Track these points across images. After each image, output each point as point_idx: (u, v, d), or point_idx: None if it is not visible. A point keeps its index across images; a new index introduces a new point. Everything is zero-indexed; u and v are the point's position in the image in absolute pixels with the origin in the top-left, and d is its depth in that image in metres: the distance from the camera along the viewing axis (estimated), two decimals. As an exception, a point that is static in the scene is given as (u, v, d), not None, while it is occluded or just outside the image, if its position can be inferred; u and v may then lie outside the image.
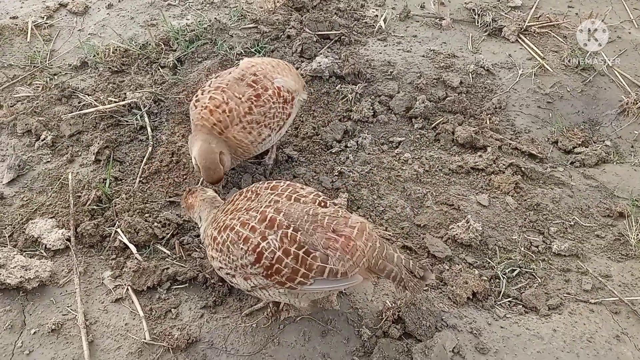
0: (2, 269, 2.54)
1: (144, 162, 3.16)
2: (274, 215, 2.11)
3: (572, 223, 2.94)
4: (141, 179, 3.08)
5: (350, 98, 3.52)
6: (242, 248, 2.10)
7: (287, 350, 2.37)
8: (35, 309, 2.52)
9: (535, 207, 2.99)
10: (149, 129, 3.34)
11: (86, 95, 3.52)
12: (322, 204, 2.20)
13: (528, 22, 4.11)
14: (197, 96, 2.83)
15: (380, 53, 3.86)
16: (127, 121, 3.39)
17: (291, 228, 2.08)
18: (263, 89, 2.81)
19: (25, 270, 2.56)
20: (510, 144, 3.30)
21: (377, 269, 2.11)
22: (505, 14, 4.22)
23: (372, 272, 2.13)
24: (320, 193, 2.26)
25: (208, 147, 2.65)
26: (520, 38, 4.03)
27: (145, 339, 2.38)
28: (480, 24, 4.16)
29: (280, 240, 2.06)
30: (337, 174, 3.13)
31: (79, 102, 3.50)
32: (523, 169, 3.15)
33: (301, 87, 3.05)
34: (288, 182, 2.30)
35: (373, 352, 2.33)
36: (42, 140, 3.29)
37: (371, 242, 2.13)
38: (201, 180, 2.89)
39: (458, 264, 2.70)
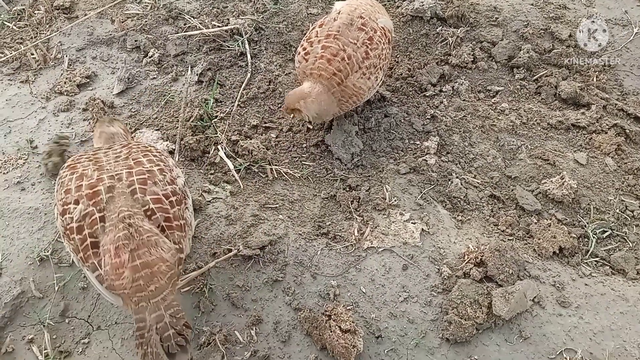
0: (113, 171, 2.76)
1: (242, 87, 3.27)
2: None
3: (673, 192, 2.81)
4: (239, 102, 3.20)
5: (450, 42, 3.43)
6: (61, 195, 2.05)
7: (368, 277, 2.47)
8: (140, 211, 2.74)
9: (635, 171, 2.86)
10: (248, 56, 3.43)
11: (192, 18, 3.64)
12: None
13: (652, -23, 3.79)
14: (303, 48, 2.76)
15: (486, -2, 3.71)
16: (228, 46, 3.49)
17: (97, 209, 1.94)
18: (373, 31, 2.75)
19: (134, 174, 2.77)
20: (616, 104, 3.14)
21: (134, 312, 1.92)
22: (628, -34, 3.90)
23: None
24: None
25: (304, 93, 2.68)
26: (640, -7, 3.75)
27: (239, 250, 2.53)
28: (598, -25, 3.88)
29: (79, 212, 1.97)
30: (429, 117, 3.11)
31: (185, 24, 3.62)
32: (627, 131, 3.00)
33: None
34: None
35: (452, 291, 2.38)
36: (150, 57, 3.46)
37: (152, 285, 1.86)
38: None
39: (547, 219, 2.67)
